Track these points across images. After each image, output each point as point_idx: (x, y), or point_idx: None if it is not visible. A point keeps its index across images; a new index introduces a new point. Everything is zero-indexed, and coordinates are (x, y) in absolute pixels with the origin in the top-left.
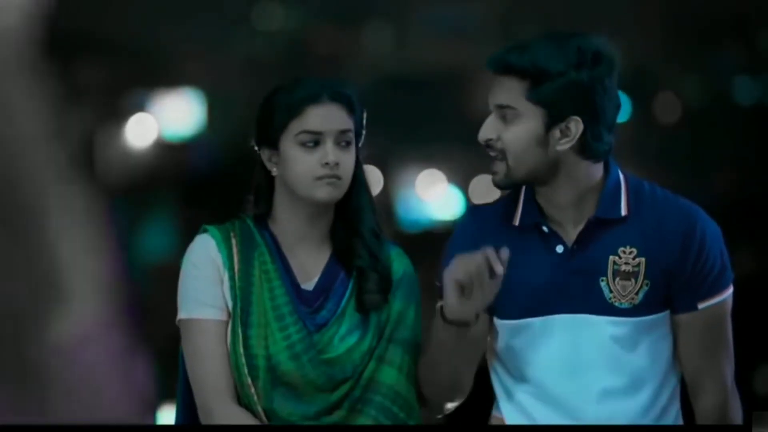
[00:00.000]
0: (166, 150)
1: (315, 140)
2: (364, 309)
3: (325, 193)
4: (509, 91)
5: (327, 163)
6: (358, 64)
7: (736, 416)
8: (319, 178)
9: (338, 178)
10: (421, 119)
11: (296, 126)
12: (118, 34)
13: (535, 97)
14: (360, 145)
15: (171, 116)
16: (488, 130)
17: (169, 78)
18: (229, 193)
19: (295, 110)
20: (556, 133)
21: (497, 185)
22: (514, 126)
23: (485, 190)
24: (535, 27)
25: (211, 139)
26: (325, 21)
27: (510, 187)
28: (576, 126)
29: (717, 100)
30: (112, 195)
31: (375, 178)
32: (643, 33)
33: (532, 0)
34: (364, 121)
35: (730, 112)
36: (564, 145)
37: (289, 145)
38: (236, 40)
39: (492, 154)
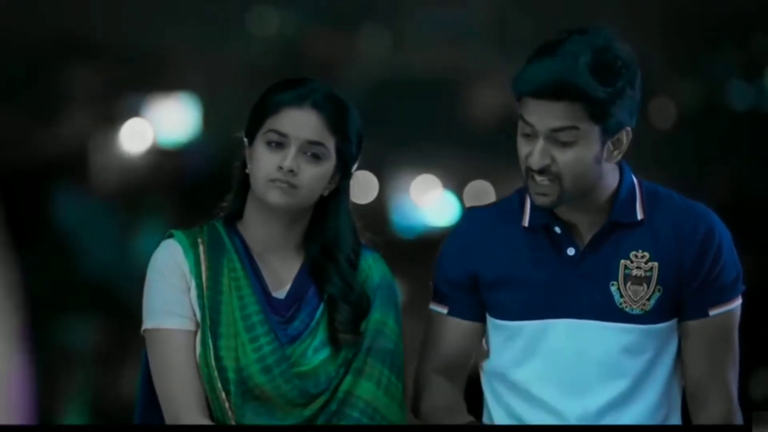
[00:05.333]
0: (161, 156)
1: (280, 142)
2: (337, 344)
3: (275, 196)
4: (567, 114)
5: (281, 168)
6: (354, 68)
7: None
8: (272, 180)
9: (292, 186)
10: (416, 124)
11: (269, 124)
12: (113, 39)
13: (593, 116)
14: (353, 168)
15: (166, 122)
16: (543, 156)
17: (164, 83)
18: (224, 200)
19: (273, 108)
20: (610, 146)
21: (546, 206)
22: (573, 148)
23: (479, 196)
24: (531, 32)
25: (206, 144)
26: (320, 26)
27: (557, 206)
28: (627, 136)
29: (712, 105)
30: (107, 200)
31: (370, 184)
32: (638, 37)
33: (528, 4)
34: (357, 145)
35: (725, 117)
36: (617, 158)
37: (258, 142)
38: (232, 45)
39: (545, 180)
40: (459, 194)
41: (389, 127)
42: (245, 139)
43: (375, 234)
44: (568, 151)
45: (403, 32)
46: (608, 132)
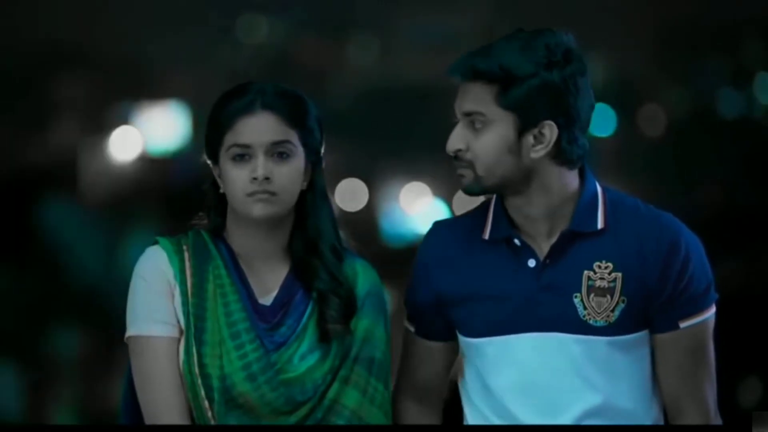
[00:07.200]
0: (150, 164)
1: (245, 153)
2: (327, 338)
3: (258, 209)
4: (477, 97)
5: (255, 178)
6: (343, 76)
7: None
8: (250, 194)
9: (271, 193)
10: (406, 132)
11: (229, 139)
12: (103, 47)
13: (504, 101)
14: (321, 154)
15: (155, 130)
16: (456, 140)
17: (153, 91)
18: (196, 216)
19: (228, 122)
20: (530, 139)
21: (466, 191)
22: (484, 134)
23: (469, 203)
24: None
25: (195, 153)
26: (310, 34)
27: (480, 193)
28: (550, 131)
29: (701, 113)
30: (96, 208)
31: (359, 192)
32: (628, 46)
33: (517, 12)
34: (320, 131)
35: (715, 125)
36: (539, 152)
37: (224, 159)
38: (221, 54)
39: (460, 164)
40: (448, 202)
41: (379, 135)
42: (209, 161)
43: (364, 242)
44: (480, 138)
45: (392, 41)
46: (525, 123)
